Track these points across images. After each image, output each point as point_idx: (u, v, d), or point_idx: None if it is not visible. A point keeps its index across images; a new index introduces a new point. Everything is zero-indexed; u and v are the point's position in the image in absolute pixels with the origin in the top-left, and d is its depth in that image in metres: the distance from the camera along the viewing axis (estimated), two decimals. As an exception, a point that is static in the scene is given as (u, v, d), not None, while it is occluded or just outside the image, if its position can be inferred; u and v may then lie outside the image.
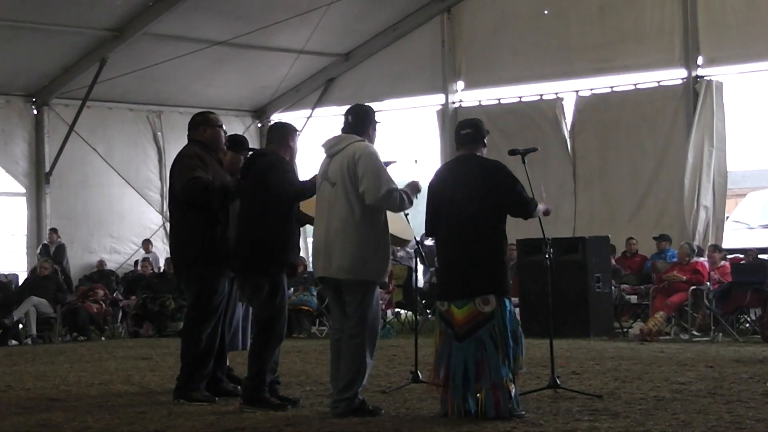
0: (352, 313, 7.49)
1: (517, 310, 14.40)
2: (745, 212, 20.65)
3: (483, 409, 7.18)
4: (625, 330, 14.93)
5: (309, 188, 7.93)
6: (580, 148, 18.98)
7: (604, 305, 14.92)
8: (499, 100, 20.12)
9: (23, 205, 20.24)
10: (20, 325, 16.56)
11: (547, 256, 8.76)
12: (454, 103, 20.58)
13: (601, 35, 18.72)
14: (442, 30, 20.52)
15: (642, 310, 15.56)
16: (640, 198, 18.30)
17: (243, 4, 18.59)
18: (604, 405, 7.77)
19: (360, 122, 7.71)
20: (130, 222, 21.15)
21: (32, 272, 17.70)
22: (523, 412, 7.30)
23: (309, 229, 8.46)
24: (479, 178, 7.48)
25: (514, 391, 7.27)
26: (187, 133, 8.68)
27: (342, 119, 7.80)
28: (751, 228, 19.75)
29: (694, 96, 17.64)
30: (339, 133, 7.77)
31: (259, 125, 22.88)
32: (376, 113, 7.84)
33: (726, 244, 17.11)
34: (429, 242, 13.24)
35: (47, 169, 20.14)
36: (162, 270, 18.91)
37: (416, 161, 8.84)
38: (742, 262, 15.30)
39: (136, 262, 19.90)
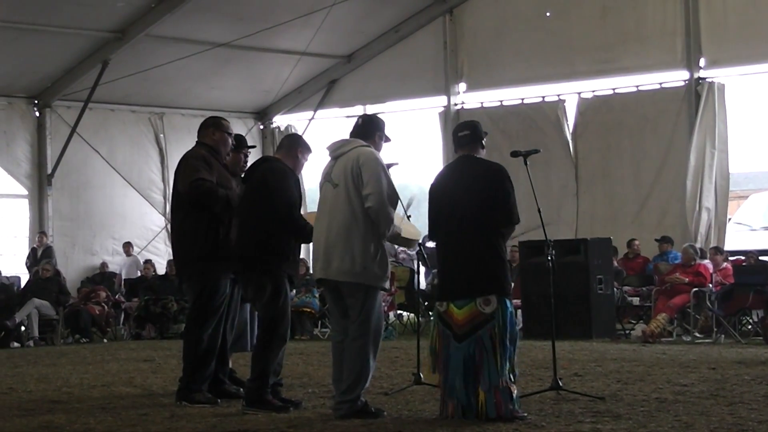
0: (356, 316, 7.46)
1: (519, 311, 14.46)
2: (747, 214, 20.65)
3: (484, 410, 7.16)
4: (627, 332, 14.92)
5: (304, 227, 7.91)
6: (582, 149, 18.98)
7: (607, 307, 14.93)
8: (501, 101, 20.12)
9: (25, 207, 20.21)
10: (22, 327, 16.59)
11: (549, 257, 8.74)
12: (456, 104, 20.55)
13: (603, 37, 18.71)
14: (444, 31, 20.51)
15: (644, 311, 15.58)
16: (643, 200, 18.29)
17: (245, 6, 18.59)
18: (606, 407, 7.76)
19: (368, 127, 7.72)
20: (132, 224, 21.13)
21: (34, 274, 17.69)
22: (525, 414, 7.29)
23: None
24: (481, 179, 7.46)
25: (515, 393, 7.27)
26: (188, 134, 8.70)
27: (344, 121, 7.81)
28: (753, 230, 19.75)
29: (696, 98, 17.63)
30: (344, 136, 7.79)
31: (261, 127, 22.88)
32: (386, 126, 7.81)
33: (728, 246, 17.11)
34: (431, 244, 13.21)
35: (49, 170, 20.11)
36: (162, 273, 18.92)
37: (410, 201, 8.77)
38: (744, 263, 15.31)
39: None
